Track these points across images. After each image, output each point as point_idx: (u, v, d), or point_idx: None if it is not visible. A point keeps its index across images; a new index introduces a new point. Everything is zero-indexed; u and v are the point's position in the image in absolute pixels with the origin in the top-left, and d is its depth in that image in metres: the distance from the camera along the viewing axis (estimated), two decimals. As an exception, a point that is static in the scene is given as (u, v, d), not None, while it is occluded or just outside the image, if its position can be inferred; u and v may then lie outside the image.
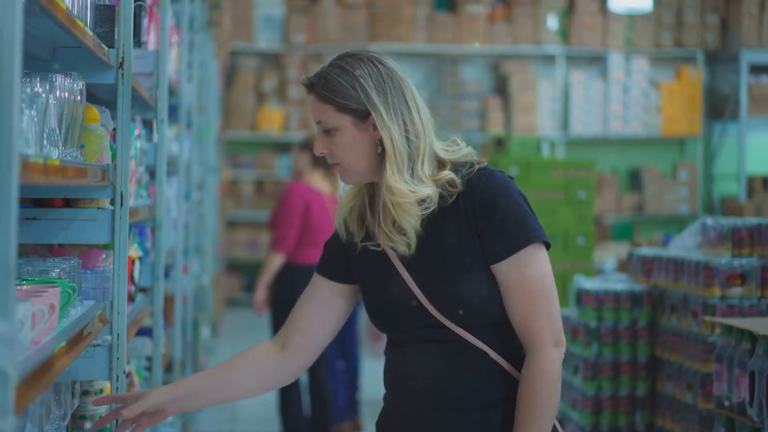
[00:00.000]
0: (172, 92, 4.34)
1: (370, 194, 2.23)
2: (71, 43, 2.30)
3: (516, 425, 2.13)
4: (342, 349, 6.06)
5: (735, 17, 11.27)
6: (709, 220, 4.24)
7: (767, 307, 3.93)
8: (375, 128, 2.14)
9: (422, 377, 2.18)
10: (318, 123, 2.18)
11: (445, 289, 2.14)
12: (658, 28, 11.74)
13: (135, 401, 2.18)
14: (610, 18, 11.68)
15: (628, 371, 4.58)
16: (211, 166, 8.23)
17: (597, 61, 11.86)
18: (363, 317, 7.27)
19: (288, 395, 5.71)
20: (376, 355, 7.68)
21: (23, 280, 2.07)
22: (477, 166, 2.18)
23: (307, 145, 5.79)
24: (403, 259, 2.17)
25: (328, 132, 2.17)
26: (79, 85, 2.07)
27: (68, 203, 2.57)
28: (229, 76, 11.72)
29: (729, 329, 3.40)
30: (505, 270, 2.12)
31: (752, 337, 3.26)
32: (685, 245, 4.43)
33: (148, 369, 3.52)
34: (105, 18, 2.47)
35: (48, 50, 2.41)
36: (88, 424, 2.57)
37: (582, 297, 4.67)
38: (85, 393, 2.62)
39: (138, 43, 3.14)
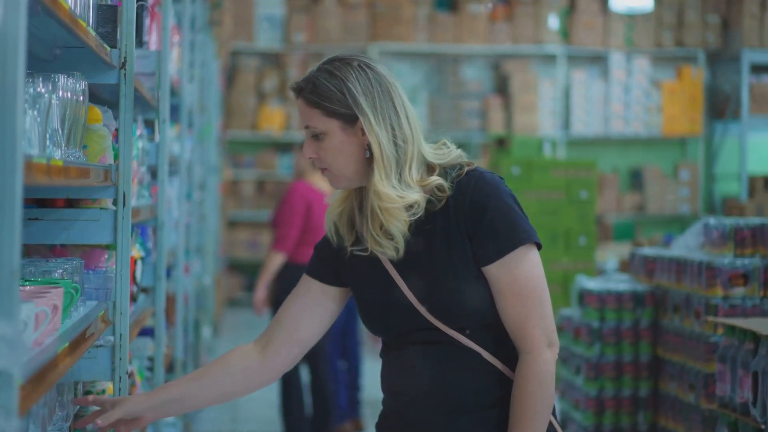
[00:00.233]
0: (174, 92, 4.33)
1: (360, 199, 2.22)
2: (74, 44, 2.30)
3: (510, 426, 2.12)
4: (343, 349, 6.06)
5: (736, 17, 11.27)
6: (712, 220, 4.23)
7: (770, 307, 3.93)
8: (363, 133, 2.13)
9: (417, 380, 2.17)
10: (306, 128, 2.17)
11: (437, 292, 2.13)
12: (659, 28, 11.74)
13: (112, 407, 2.18)
14: (611, 18, 11.67)
15: (631, 371, 4.57)
16: (212, 166, 8.23)
17: (598, 60, 11.85)
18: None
19: (290, 395, 5.70)
20: (378, 355, 7.66)
21: (26, 280, 2.07)
22: (466, 168, 2.17)
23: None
24: (394, 262, 2.16)
25: (316, 137, 2.16)
26: (82, 85, 2.07)
27: (71, 203, 2.57)
28: (230, 76, 11.72)
29: (732, 329, 3.40)
30: (495, 272, 2.11)
31: (755, 337, 3.26)
32: (687, 245, 4.43)
33: (150, 369, 3.51)
34: (107, 18, 2.46)
35: (50, 50, 2.40)
36: (90, 426, 2.57)
37: (584, 297, 4.67)
38: (88, 393, 2.62)
39: (140, 43, 3.13)
